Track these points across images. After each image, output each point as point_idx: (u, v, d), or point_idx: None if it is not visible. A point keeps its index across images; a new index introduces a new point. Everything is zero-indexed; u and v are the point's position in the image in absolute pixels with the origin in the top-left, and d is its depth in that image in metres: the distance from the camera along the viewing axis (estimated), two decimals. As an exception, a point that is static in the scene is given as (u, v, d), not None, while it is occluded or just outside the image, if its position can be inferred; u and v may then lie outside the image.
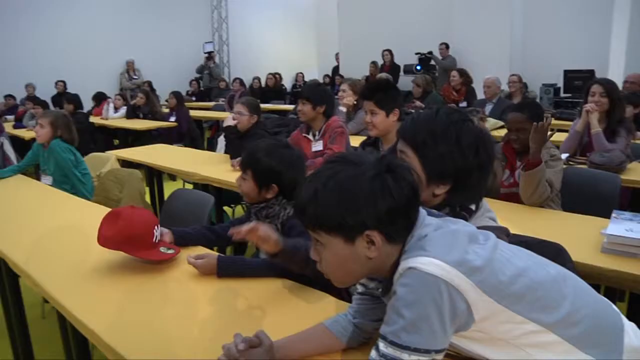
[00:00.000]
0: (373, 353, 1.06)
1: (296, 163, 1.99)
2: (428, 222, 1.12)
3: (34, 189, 3.43)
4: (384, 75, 7.52)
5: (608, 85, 3.62)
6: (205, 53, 13.06)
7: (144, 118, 7.81)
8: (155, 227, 1.96)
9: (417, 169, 1.37)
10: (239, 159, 3.70)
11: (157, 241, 1.97)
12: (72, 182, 3.59)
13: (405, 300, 1.02)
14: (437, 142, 1.38)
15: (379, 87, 2.95)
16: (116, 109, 8.34)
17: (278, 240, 1.57)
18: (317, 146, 3.58)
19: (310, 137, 3.67)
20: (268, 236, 1.56)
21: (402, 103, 2.95)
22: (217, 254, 1.91)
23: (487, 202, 1.53)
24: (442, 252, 1.04)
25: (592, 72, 7.39)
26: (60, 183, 3.59)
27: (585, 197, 2.80)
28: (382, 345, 1.04)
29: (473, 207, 1.47)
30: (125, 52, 11.92)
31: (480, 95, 6.96)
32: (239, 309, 1.64)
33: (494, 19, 9.13)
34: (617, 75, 7.84)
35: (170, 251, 1.97)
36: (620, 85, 4.85)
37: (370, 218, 1.06)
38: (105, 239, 1.89)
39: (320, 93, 3.61)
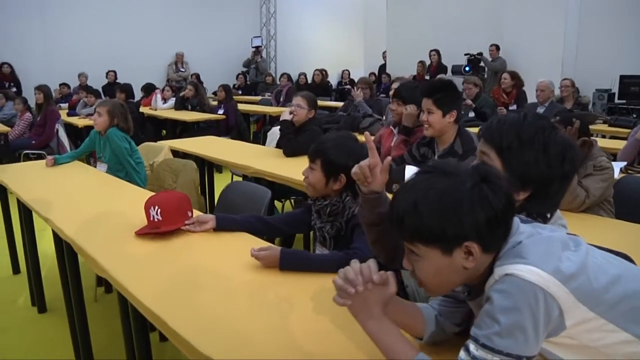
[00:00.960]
0: (462, 354, 1.05)
1: (363, 156, 1.97)
2: (522, 230, 1.11)
3: (91, 176, 3.52)
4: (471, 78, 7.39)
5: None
6: (253, 47, 13.15)
7: (192, 110, 7.90)
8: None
9: None
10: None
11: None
12: (127, 170, 3.66)
13: (501, 306, 1.01)
14: (524, 149, 1.34)
15: (440, 87, 2.91)
16: (165, 100, 8.47)
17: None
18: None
19: (396, 132, 3.66)
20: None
21: (461, 106, 2.91)
22: (280, 247, 1.92)
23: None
24: (538, 259, 1.02)
25: (644, 77, 7.19)
26: (115, 171, 3.65)
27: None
28: (472, 347, 1.03)
29: (548, 214, 1.43)
30: (175, 44, 12.12)
31: (531, 98, 6.83)
32: (301, 302, 1.63)
33: (546, 21, 8.91)
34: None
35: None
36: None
37: (470, 229, 1.05)
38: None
39: (415, 94, 3.59)
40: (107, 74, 10.80)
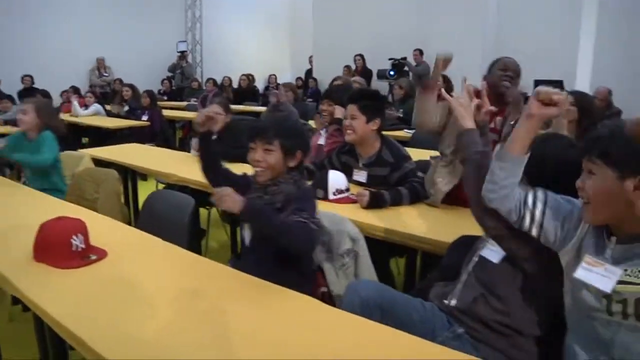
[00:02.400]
0: None
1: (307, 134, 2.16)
2: None
3: (8, 188, 3.33)
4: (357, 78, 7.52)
5: (579, 96, 3.70)
6: (178, 52, 12.93)
7: (130, 113, 7.67)
8: (75, 236, 1.98)
9: None
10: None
11: (78, 250, 1.97)
12: (54, 180, 3.50)
13: None
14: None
15: (367, 94, 3.01)
16: (86, 107, 8.16)
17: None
18: (321, 140, 3.71)
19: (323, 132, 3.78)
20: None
21: (384, 118, 2.99)
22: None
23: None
24: None
25: (560, 82, 7.56)
26: (37, 180, 3.48)
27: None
28: None
29: None
30: (96, 49, 11.72)
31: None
32: (206, 305, 1.63)
33: (467, 27, 9.27)
34: (584, 86, 8.09)
35: (93, 257, 1.98)
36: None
37: None
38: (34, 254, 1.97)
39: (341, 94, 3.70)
40: (22, 78, 10.30)
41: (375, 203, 2.63)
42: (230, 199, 1.74)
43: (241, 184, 2.10)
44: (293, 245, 1.82)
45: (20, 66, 10.29)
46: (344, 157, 3.11)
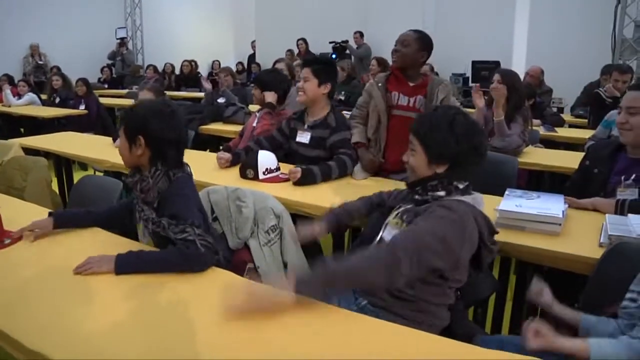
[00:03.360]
0: None
1: (166, 115, 1.89)
2: None
3: None
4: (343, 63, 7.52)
5: (505, 74, 3.84)
6: (117, 39, 12.62)
7: (61, 104, 7.44)
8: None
9: None
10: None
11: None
12: None
13: None
14: (434, 132, 1.81)
15: (320, 60, 3.17)
16: (20, 96, 7.90)
17: None
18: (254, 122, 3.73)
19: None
20: None
21: (336, 82, 3.09)
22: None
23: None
24: None
25: (497, 63, 7.76)
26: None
27: (486, 179, 2.96)
28: None
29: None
30: (29, 35, 11.28)
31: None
32: (162, 303, 1.61)
33: (406, 9, 9.38)
34: (520, 67, 8.32)
35: (7, 241, 1.97)
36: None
37: None
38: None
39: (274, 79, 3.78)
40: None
41: (306, 179, 2.71)
42: (97, 265, 1.70)
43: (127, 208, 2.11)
44: (184, 269, 1.73)
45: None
46: (293, 122, 3.22)
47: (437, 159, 1.76)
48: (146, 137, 1.85)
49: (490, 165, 3.14)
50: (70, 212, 2.18)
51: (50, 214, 2.10)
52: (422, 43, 2.97)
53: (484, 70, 8.10)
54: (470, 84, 8.20)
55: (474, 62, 8.39)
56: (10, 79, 8.79)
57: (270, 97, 3.64)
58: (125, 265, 1.71)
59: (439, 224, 1.62)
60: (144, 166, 1.92)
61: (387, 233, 1.84)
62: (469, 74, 8.55)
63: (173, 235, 1.78)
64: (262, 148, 3.13)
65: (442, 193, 1.76)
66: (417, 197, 1.82)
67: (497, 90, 3.70)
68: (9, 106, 7.62)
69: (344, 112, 5.55)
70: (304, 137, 3.08)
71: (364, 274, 1.54)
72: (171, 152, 1.88)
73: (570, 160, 3.35)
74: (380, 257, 1.58)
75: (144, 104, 2.00)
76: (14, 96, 7.77)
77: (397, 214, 1.86)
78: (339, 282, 1.55)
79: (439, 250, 1.58)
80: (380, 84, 3.00)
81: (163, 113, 1.88)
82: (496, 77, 3.80)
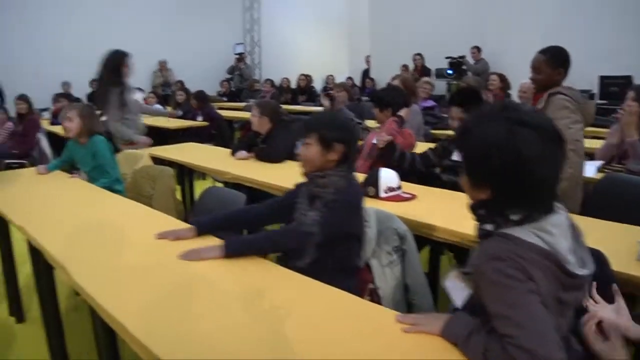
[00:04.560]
0: None
1: (352, 128, 2.17)
2: None
3: (71, 185, 3.47)
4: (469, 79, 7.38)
5: (638, 90, 3.55)
6: (236, 54, 13.16)
7: (183, 116, 7.86)
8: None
9: None
10: (242, 151, 4.04)
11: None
12: (110, 180, 3.57)
13: None
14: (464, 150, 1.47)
15: (467, 95, 3.13)
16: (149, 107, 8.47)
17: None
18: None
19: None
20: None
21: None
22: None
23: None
24: None
25: (629, 78, 7.24)
26: (95, 179, 3.61)
27: (623, 205, 2.73)
28: None
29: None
30: (158, 51, 12.09)
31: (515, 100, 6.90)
32: (269, 307, 1.62)
33: (525, 22, 8.98)
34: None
35: None
36: None
37: None
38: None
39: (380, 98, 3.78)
40: (90, 82, 10.74)
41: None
42: (205, 253, 1.88)
43: (292, 199, 2.21)
44: (284, 249, 2.02)
45: (89, 70, 10.69)
46: (446, 142, 3.29)
47: (474, 180, 1.39)
48: (345, 146, 2.03)
49: (627, 192, 2.91)
50: (209, 219, 2.25)
51: (191, 223, 2.21)
52: (553, 63, 2.91)
53: (613, 86, 7.60)
54: (598, 101, 7.69)
55: (602, 78, 7.87)
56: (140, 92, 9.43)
57: (404, 112, 3.66)
58: (234, 249, 1.90)
59: (500, 293, 1.25)
60: (329, 169, 2.05)
61: (451, 282, 1.57)
62: (596, 90, 8.02)
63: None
64: (415, 165, 3.27)
65: (489, 227, 1.39)
66: (478, 232, 1.48)
67: (630, 109, 3.44)
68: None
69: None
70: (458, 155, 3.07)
71: None
72: (353, 160, 2.10)
73: None
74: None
75: (337, 115, 2.34)
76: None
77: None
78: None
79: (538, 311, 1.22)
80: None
81: (353, 124, 2.27)
82: (630, 94, 3.53)
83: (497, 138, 1.29)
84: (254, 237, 1.98)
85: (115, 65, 4.62)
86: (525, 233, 1.30)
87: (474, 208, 1.43)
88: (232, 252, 1.87)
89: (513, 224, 1.33)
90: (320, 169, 2.04)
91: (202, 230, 2.16)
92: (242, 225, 2.31)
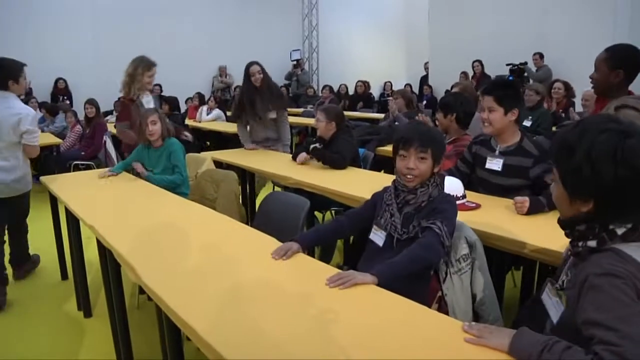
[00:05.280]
0: None
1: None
2: None
3: (137, 186, 3.58)
4: (533, 86, 7.20)
5: None
6: (292, 61, 13.29)
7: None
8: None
9: None
10: (303, 153, 4.11)
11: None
12: (179, 182, 3.67)
13: None
14: (569, 156, 1.36)
15: (502, 84, 2.91)
16: (210, 110, 8.65)
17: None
18: None
19: None
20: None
21: (523, 106, 2.88)
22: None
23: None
24: None
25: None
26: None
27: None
28: None
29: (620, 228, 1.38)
30: (218, 57, 12.38)
31: (577, 108, 6.69)
32: (316, 310, 1.61)
33: (592, 26, 8.67)
34: None
35: None
36: None
37: None
38: None
39: (447, 102, 3.66)
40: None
41: (535, 209, 2.50)
42: (359, 279, 1.77)
43: (371, 211, 2.30)
44: (428, 265, 2.02)
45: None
46: (475, 147, 3.04)
47: (576, 193, 1.35)
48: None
49: None
50: (309, 235, 2.29)
51: (295, 240, 2.17)
52: (612, 62, 2.65)
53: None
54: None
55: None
56: (201, 98, 9.65)
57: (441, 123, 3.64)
58: (386, 278, 1.80)
59: (612, 306, 1.20)
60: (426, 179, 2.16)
61: (546, 296, 1.56)
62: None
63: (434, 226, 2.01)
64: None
65: (593, 244, 1.33)
66: (574, 249, 1.42)
67: None
68: (200, 122, 8.37)
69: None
70: (495, 164, 2.89)
71: None
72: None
73: None
74: None
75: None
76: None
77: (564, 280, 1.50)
78: None
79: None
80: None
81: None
82: None
83: (608, 150, 1.27)
84: (399, 260, 1.89)
85: None
86: (637, 252, 1.27)
87: (572, 223, 1.40)
88: (384, 280, 1.79)
89: (619, 239, 1.31)
90: (423, 181, 2.16)
91: (304, 244, 2.16)
92: (334, 239, 2.46)
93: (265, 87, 4.81)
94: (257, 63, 4.84)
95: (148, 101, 4.35)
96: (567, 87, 6.85)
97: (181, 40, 11.85)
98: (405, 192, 2.16)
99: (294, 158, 4.21)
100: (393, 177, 2.30)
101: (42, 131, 7.68)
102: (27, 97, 9.45)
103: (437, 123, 3.70)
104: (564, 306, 1.44)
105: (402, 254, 1.92)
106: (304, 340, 1.45)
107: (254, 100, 4.81)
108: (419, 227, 2.06)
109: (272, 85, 4.97)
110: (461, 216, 2.33)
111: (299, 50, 14.00)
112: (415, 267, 1.91)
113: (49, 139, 6.84)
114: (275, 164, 4.19)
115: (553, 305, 1.49)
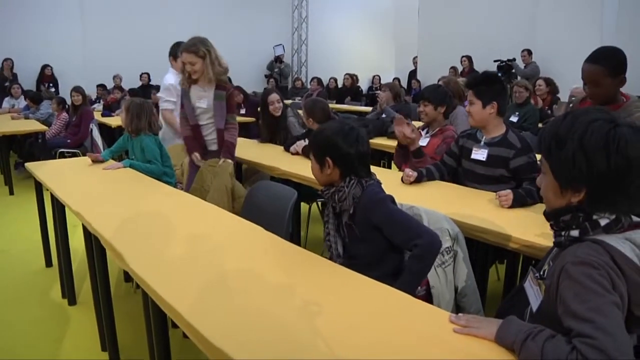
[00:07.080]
0: None
1: (351, 136, 2.00)
2: None
3: (123, 174, 3.55)
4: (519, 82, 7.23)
5: None
6: (275, 56, 13.41)
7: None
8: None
9: None
10: (299, 142, 4.07)
11: None
12: (157, 174, 3.64)
13: None
14: (560, 147, 1.36)
15: (481, 79, 2.97)
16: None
17: None
18: (423, 142, 3.56)
19: (423, 132, 3.69)
20: None
21: (502, 97, 2.91)
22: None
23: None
24: None
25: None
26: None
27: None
28: None
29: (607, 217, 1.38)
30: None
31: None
32: (318, 303, 1.61)
33: (580, 24, 8.73)
34: None
35: None
36: None
37: None
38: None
39: (441, 94, 3.67)
40: (140, 76, 10.99)
41: (518, 202, 2.54)
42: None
43: None
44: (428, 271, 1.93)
45: (139, 65, 10.98)
46: (462, 140, 3.09)
47: (568, 183, 1.36)
48: (333, 158, 2.00)
49: None
50: None
51: None
52: (614, 71, 2.57)
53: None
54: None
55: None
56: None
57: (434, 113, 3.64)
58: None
59: (586, 296, 1.22)
60: (336, 182, 2.04)
61: (528, 284, 1.58)
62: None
63: (402, 239, 1.91)
64: (442, 174, 3.13)
65: (575, 233, 1.36)
66: (555, 239, 1.45)
67: None
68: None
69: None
70: (479, 154, 2.93)
71: None
72: (359, 166, 2.00)
73: None
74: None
75: (325, 128, 2.09)
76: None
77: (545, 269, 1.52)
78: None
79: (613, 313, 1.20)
80: None
81: (344, 132, 2.01)
82: None
83: (600, 138, 1.28)
84: (409, 280, 1.84)
85: None
86: (619, 243, 1.28)
87: (557, 214, 1.41)
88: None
89: (601, 230, 1.32)
90: (330, 185, 2.07)
91: None
92: None
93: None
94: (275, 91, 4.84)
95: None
96: (549, 83, 6.92)
97: (166, 31, 11.70)
98: (331, 201, 2.09)
99: (287, 149, 4.23)
100: (379, 168, 2.31)
101: (27, 118, 7.63)
102: (12, 82, 9.38)
103: (421, 116, 3.71)
104: (542, 295, 1.46)
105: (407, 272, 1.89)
106: (291, 325, 1.46)
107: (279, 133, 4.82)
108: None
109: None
110: (443, 209, 2.34)
111: (281, 45, 13.93)
112: (421, 279, 1.92)
113: (34, 125, 6.79)
114: (263, 154, 4.19)
115: (534, 293, 1.52)
